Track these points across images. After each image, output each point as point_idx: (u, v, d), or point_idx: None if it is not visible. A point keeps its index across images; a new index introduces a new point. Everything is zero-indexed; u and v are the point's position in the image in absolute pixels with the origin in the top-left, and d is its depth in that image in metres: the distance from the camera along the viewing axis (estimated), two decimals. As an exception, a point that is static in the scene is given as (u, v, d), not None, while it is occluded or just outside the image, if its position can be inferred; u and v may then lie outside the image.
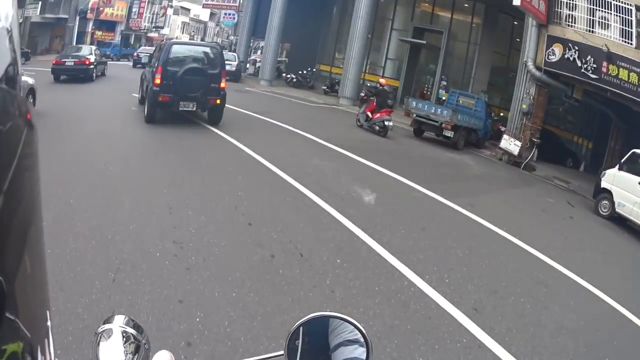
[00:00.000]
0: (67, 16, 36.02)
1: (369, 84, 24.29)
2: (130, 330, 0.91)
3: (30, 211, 0.47)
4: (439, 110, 14.54)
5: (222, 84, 10.48)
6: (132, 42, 46.88)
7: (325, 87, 24.61)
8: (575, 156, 19.14)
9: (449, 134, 14.31)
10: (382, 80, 16.04)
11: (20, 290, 0.44)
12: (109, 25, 43.14)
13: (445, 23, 24.03)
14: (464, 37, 23.45)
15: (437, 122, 14.29)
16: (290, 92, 23.93)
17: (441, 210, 7.58)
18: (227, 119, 11.96)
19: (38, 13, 30.96)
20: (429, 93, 24.05)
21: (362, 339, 0.94)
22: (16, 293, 0.42)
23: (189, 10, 68.80)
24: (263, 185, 7.36)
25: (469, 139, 15.48)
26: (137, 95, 13.55)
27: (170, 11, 58.41)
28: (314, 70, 27.81)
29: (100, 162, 7.29)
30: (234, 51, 30.35)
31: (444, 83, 23.07)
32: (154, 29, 52.12)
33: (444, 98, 21.25)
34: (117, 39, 43.91)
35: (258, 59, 31.77)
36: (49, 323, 0.56)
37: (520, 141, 14.33)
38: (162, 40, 22.16)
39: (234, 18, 36.68)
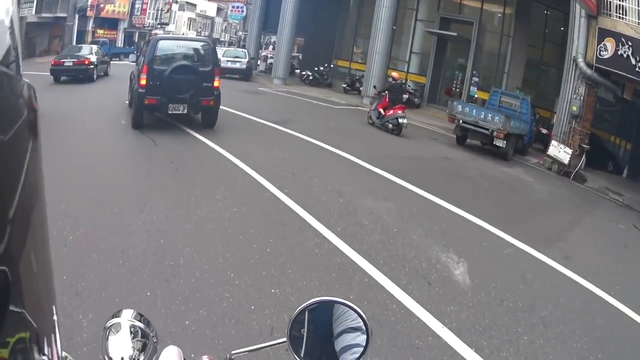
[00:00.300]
0: (65, 15, 34.38)
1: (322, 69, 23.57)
2: (139, 324, 0.92)
3: (34, 199, 0.47)
4: (490, 115, 12.57)
5: (216, 83, 9.67)
6: (136, 40, 44.93)
7: (345, 85, 22.55)
8: (616, 159, 17.20)
9: (501, 143, 12.37)
10: (394, 74, 14.61)
11: (26, 283, 0.44)
12: (110, 23, 41.44)
13: (474, 13, 21.78)
14: (496, 29, 21.23)
15: (487, 129, 12.23)
16: (307, 91, 22.07)
17: (546, 277, 5.48)
18: (239, 131, 10.06)
19: (33, 12, 29.36)
20: (457, 90, 22.01)
21: (364, 327, 0.95)
22: (22, 286, 0.43)
23: (194, 5, 66.88)
24: (303, 268, 4.73)
25: (516, 146, 13.52)
26: (128, 97, 12.30)
27: (175, 7, 56.55)
28: (331, 66, 25.76)
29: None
30: (244, 47, 28.17)
31: (476, 79, 20.81)
32: (159, 26, 50.26)
33: (475, 96, 19.51)
34: (120, 37, 42.15)
35: (270, 55, 29.75)
36: (55, 317, 0.56)
37: (570, 148, 12.55)
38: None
39: (242, 11, 34.70)
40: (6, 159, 0.41)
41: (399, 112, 12.59)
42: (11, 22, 0.45)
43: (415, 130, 15.24)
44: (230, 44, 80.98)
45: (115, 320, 0.93)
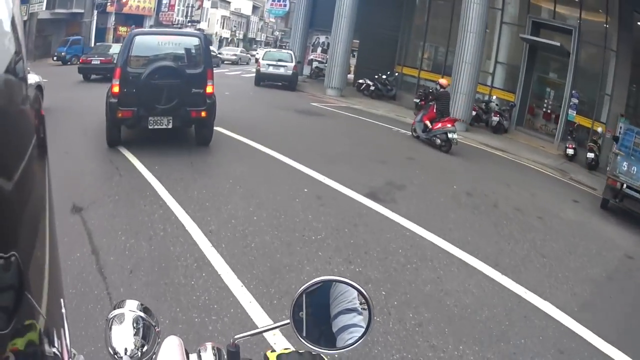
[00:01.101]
0: (82, 10, 31.07)
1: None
2: (141, 315, 0.95)
3: (42, 200, 0.49)
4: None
5: (209, 89, 7.94)
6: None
7: (417, 100, 17.84)
8: None
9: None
10: (442, 81, 12.64)
11: (35, 276, 0.46)
12: (136, 20, 38.19)
13: (571, 19, 17.30)
14: (596, 41, 16.57)
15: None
16: (372, 106, 18.35)
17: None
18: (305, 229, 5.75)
19: (44, 8, 26.97)
20: (549, 112, 17.82)
21: (360, 307, 1.00)
22: (30, 278, 0.45)
23: (229, 2, 63.45)
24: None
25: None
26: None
27: (207, 4, 52.99)
28: (396, 74, 20.92)
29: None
30: (285, 47, 23.61)
31: (575, 101, 16.41)
32: (190, 24, 46.71)
33: (575, 122, 15.71)
34: (146, 35, 38.10)
35: (318, 59, 25.10)
36: (63, 310, 0.58)
37: None
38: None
39: (284, 5, 30.18)
40: (15, 162, 0.42)
41: (449, 125, 11.14)
42: (13, 24, 0.45)
43: (519, 168, 11.76)
44: (267, 44, 77.99)
45: (118, 311, 0.95)
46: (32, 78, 9.41)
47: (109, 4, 32.80)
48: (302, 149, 9.27)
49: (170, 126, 7.68)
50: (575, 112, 16.04)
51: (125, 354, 0.92)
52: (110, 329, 0.93)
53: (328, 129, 12.50)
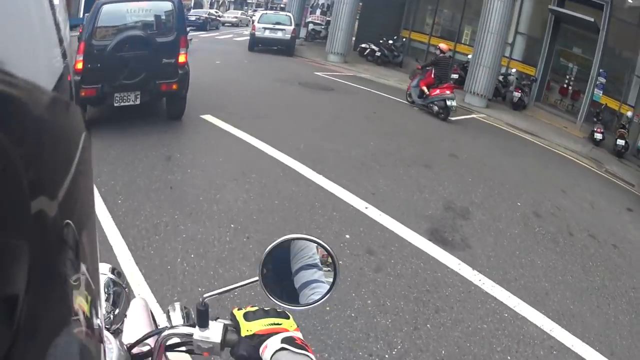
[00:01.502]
0: None
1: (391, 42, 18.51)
2: (113, 277, 1.00)
3: (85, 215, 0.50)
4: None
5: (181, 58, 7.19)
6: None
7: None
8: None
9: None
10: (442, 45, 11.98)
11: (86, 245, 0.48)
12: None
13: None
14: (630, 18, 14.63)
15: None
16: (381, 75, 16.63)
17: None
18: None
19: None
20: (571, 90, 16.16)
21: (319, 262, 1.03)
22: (84, 247, 0.47)
23: (219, -41, 59.47)
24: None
25: None
26: None
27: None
28: (403, 39, 19.15)
29: None
30: (283, 10, 21.55)
31: (602, 80, 14.77)
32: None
33: (601, 103, 14.17)
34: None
35: (317, 21, 23.13)
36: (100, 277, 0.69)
37: None
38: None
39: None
40: (62, 174, 0.43)
41: (447, 92, 10.72)
42: (60, 32, 0.44)
43: (557, 160, 10.27)
44: (258, 5, 74.45)
45: None
46: None
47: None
48: (324, 148, 7.26)
49: (138, 102, 6.96)
50: (601, 92, 14.51)
51: None
52: None
53: (345, 111, 10.32)
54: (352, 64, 17.65)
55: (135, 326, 0.98)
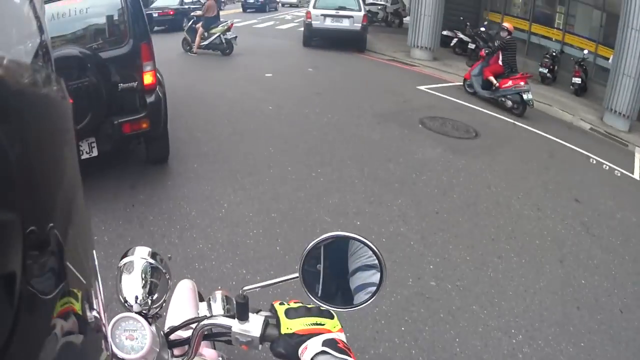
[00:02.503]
0: None
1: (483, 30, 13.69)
2: (151, 261, 0.97)
3: (73, 183, 0.49)
4: None
5: (147, 78, 4.57)
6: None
7: (544, 69, 12.02)
8: None
9: None
10: (508, 25, 9.61)
11: (71, 238, 0.47)
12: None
13: None
14: None
15: None
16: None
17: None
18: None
19: None
20: None
21: (378, 264, 0.97)
22: (69, 244, 0.46)
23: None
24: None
25: None
26: None
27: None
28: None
29: None
30: None
31: None
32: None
33: None
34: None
35: (382, 2, 18.45)
36: (95, 263, 0.60)
37: None
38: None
39: None
40: (47, 154, 0.43)
41: (522, 83, 8.74)
42: (34, 9, 0.44)
43: None
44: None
45: (128, 259, 0.97)
46: None
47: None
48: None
49: (95, 153, 4.38)
50: None
51: (136, 302, 0.95)
52: (121, 277, 0.95)
53: (536, 210, 4.97)
54: (445, 63, 12.71)
55: (179, 310, 1.02)
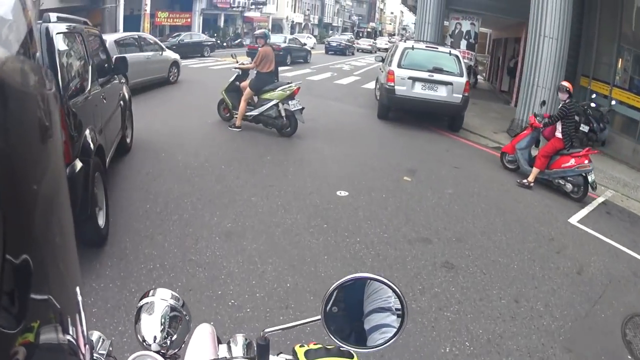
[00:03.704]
0: None
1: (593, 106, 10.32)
2: (172, 303, 0.97)
3: (57, 181, 0.49)
4: None
5: (64, 146, 3.55)
6: (221, 25, 32.33)
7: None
8: None
9: None
10: (566, 84, 7.39)
11: (51, 267, 0.47)
12: (183, 3, 29.10)
13: None
14: None
15: None
16: None
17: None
18: None
19: None
20: None
21: (394, 307, 0.96)
22: (47, 269, 0.45)
23: (299, -18, 54.09)
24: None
25: None
26: None
27: (274, -18, 44.01)
28: (613, 102, 10.70)
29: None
30: (405, 36, 13.29)
31: None
32: (254, 6, 37.68)
33: None
34: (197, 21, 29.75)
35: (469, 58, 15.26)
36: (79, 297, 0.59)
37: None
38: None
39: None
40: (32, 148, 0.43)
41: (586, 162, 7.10)
42: (23, 6, 0.45)
43: None
44: (344, 30, 68.52)
45: (148, 299, 0.96)
46: (170, 55, 13.28)
47: (140, -19, 24.30)
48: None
49: None
50: None
51: (154, 341, 0.94)
52: (140, 317, 0.95)
53: None
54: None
55: (197, 353, 1.02)
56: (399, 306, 0.95)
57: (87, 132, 3.85)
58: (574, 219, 6.06)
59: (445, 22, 17.52)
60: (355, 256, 4.21)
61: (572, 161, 7.15)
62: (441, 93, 9.67)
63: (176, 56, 13.83)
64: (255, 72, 8.11)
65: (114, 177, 5.28)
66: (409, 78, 9.62)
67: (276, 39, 21.98)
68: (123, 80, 6.40)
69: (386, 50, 30.33)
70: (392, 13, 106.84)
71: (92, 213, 3.78)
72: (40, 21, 3.64)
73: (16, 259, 0.38)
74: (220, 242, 4.16)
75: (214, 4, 31.63)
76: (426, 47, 10.21)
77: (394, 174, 6.71)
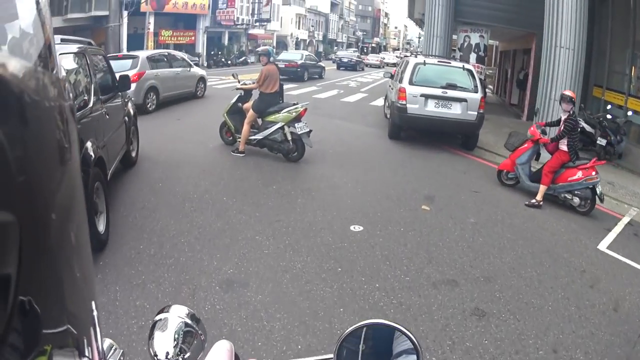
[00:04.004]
0: (106, 13, 22.51)
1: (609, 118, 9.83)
2: (187, 320, 0.96)
3: (74, 191, 0.49)
4: None
5: None
6: (225, 43, 32.15)
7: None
8: None
9: None
10: (570, 93, 6.93)
11: (68, 286, 0.47)
12: (187, 21, 28.97)
13: None
14: None
15: None
16: None
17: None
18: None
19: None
20: None
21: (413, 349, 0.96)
22: (64, 289, 0.46)
23: (303, -1, 54.10)
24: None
25: None
26: None
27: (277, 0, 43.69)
28: (630, 113, 10.19)
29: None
30: (415, 51, 12.82)
31: None
32: (258, 24, 37.57)
33: None
34: (201, 39, 29.63)
35: (478, 71, 14.76)
36: (95, 313, 0.59)
37: None
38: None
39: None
40: (49, 159, 0.43)
41: (593, 174, 6.74)
42: (39, 12, 0.46)
43: None
44: (349, 45, 68.50)
45: (163, 316, 0.96)
46: (198, 71, 13.82)
47: (143, 2, 23.92)
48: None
49: None
50: None
51: (166, 357, 0.93)
52: (154, 333, 0.94)
53: None
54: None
55: None
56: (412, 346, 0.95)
57: (89, 144, 4.13)
58: (602, 245, 5.56)
59: (453, 35, 17.19)
60: (374, 306, 3.68)
61: (579, 174, 6.76)
62: (455, 110, 9.19)
63: (203, 72, 14.56)
64: (259, 92, 7.62)
65: (110, 202, 4.82)
66: (422, 95, 9.15)
67: (293, 56, 23.96)
68: (129, 97, 6.94)
69: (394, 65, 30.03)
70: (396, 28, 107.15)
71: (91, 220, 3.97)
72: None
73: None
74: (221, 292, 3.65)
75: (217, 22, 31.43)
76: (438, 62, 9.75)
77: (411, 202, 6.19)
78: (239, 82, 8.20)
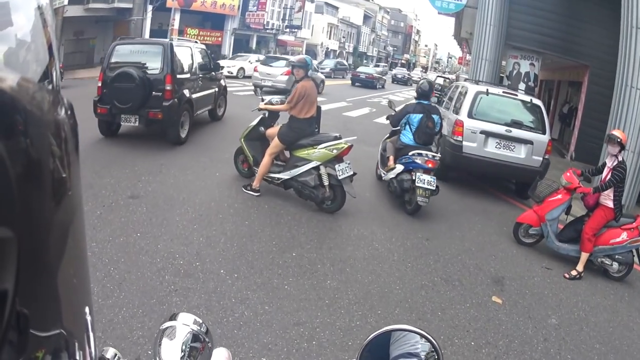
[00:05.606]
0: (130, 5, 21.57)
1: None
2: (194, 328, 0.93)
3: (73, 206, 0.49)
4: None
5: (167, 92, 7.68)
6: (253, 47, 30.84)
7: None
8: None
9: None
10: (620, 134, 5.52)
11: (63, 291, 0.46)
12: (215, 21, 27.81)
13: None
14: None
15: None
16: None
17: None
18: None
19: (66, 2, 17.28)
20: None
21: (422, 353, 0.92)
22: (58, 294, 0.45)
23: (336, 8, 52.87)
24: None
25: None
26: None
27: (310, 6, 42.45)
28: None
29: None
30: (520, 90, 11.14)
31: None
32: (288, 30, 36.31)
33: None
34: (228, 40, 28.42)
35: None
36: (88, 317, 0.58)
37: None
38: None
39: None
40: (47, 174, 0.42)
41: (638, 235, 5.59)
42: (46, 31, 0.46)
43: None
44: (379, 59, 67.01)
45: (170, 324, 0.93)
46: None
47: (170, -1, 22.80)
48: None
49: (137, 124, 7.73)
50: None
51: None
52: (160, 341, 0.91)
53: None
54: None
55: None
56: (426, 350, 0.90)
57: (186, 91, 8.20)
58: None
59: (502, 61, 15.53)
60: None
61: (624, 235, 5.58)
62: (518, 154, 7.53)
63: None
64: (289, 116, 5.81)
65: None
66: (482, 132, 7.49)
67: (326, 63, 26.97)
68: (222, 76, 11.14)
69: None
70: (426, 46, 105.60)
71: (174, 122, 7.92)
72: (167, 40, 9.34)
73: (29, 287, 0.38)
74: None
75: (246, 24, 30.13)
76: (503, 92, 8.05)
77: (477, 288, 4.50)
78: (262, 99, 6.34)
